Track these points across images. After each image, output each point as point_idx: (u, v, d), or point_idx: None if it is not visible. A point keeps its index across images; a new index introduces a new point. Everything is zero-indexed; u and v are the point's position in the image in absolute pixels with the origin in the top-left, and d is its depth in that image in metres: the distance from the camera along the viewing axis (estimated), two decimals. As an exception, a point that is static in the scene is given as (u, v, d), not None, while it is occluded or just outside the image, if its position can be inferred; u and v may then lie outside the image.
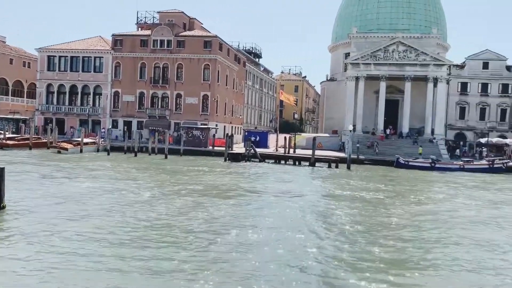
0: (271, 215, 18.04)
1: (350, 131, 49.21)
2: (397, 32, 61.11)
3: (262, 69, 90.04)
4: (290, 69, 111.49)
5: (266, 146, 55.80)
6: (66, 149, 45.18)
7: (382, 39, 60.30)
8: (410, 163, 45.02)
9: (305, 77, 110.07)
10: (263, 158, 45.63)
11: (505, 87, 62.84)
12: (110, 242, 13.10)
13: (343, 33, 71.16)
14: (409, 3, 68.03)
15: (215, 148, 51.18)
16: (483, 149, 55.05)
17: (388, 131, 58.15)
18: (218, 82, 59.42)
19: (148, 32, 61.26)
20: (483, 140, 56.39)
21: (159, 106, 59.84)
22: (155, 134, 53.39)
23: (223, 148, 46.79)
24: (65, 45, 63.07)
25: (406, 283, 10.93)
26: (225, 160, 44.04)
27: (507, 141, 56.11)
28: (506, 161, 46.34)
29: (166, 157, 44.10)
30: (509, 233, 16.69)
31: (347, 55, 66.30)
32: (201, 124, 56.18)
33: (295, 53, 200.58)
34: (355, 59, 58.56)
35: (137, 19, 66.81)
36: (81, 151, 46.00)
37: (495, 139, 56.30)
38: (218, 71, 59.42)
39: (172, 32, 59.07)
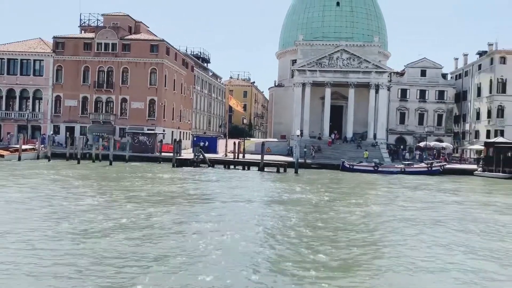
0: (219, 221, 17.99)
1: (298, 136, 50.16)
2: (341, 40, 63.25)
3: (210, 74, 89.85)
4: (238, 75, 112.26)
5: (215, 152, 55.64)
6: (2, 156, 42.80)
7: (327, 46, 62.15)
8: (355, 167, 46.61)
9: (253, 82, 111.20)
10: (212, 163, 45.48)
11: (441, 94, 66.86)
12: (38, 257, 12.42)
13: (290, 40, 72.58)
14: (352, 12, 70.64)
15: (163, 154, 50.34)
16: (417, 153, 58.12)
17: (333, 135, 59.90)
18: (165, 86, 58.61)
19: (92, 35, 59.40)
20: (421, 144, 59.47)
21: (104, 111, 58.18)
22: (99, 139, 51.64)
23: (171, 154, 46.11)
24: (2, 46, 59.73)
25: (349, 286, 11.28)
26: (173, 166, 43.43)
27: (443, 144, 59.66)
28: (443, 163, 49.22)
29: (110, 164, 42.82)
30: (444, 230, 17.66)
31: (294, 61, 67.67)
32: (148, 130, 55.12)
33: (244, 59, 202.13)
34: (302, 66, 59.92)
35: (80, 22, 64.70)
36: (19, 158, 43.61)
37: (432, 143, 59.60)
38: (165, 75, 58.64)
39: (117, 35, 57.64)
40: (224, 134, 75.73)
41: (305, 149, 50.60)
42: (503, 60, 60.32)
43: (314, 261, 12.75)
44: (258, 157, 45.12)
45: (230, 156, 50.11)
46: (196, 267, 11.82)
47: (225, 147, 54.48)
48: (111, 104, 58.29)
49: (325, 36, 68.11)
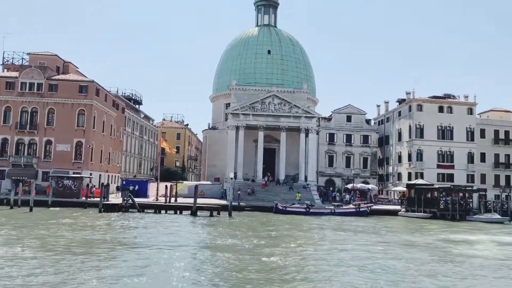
0: (146, 271, 17.13)
1: (232, 178, 50.22)
2: (272, 86, 65.64)
3: (142, 116, 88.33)
4: (172, 117, 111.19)
5: (146, 196, 53.89)
6: None
7: (259, 91, 64.09)
8: (288, 209, 47.28)
9: (187, 125, 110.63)
10: (142, 208, 43.82)
11: (365, 138, 70.72)
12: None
13: (223, 84, 74.02)
14: (282, 60, 74.03)
15: (89, 199, 47.84)
16: (344, 194, 60.46)
17: (266, 178, 60.70)
18: (93, 128, 56.64)
19: (15, 74, 56.59)
20: (349, 186, 61.89)
21: (25, 154, 54.70)
22: (19, 184, 48.07)
23: (98, 199, 43.90)
24: None
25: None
26: (100, 212, 41.27)
27: (369, 186, 62.51)
28: (369, 205, 51.36)
29: (31, 210, 39.85)
30: (370, 268, 18.14)
31: (227, 105, 68.77)
32: (74, 173, 52.42)
33: (177, 101, 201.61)
34: (235, 110, 60.99)
35: (3, 60, 61.47)
36: None
37: (359, 185, 62.26)
38: (94, 116, 56.83)
39: (43, 75, 55.45)
40: (155, 177, 73.88)
41: (238, 192, 50.63)
42: (420, 108, 65.60)
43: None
44: (191, 200, 44.28)
45: (162, 200, 48.72)
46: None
47: (156, 191, 52.94)
48: (34, 146, 55.06)
49: (257, 81, 70.38)
